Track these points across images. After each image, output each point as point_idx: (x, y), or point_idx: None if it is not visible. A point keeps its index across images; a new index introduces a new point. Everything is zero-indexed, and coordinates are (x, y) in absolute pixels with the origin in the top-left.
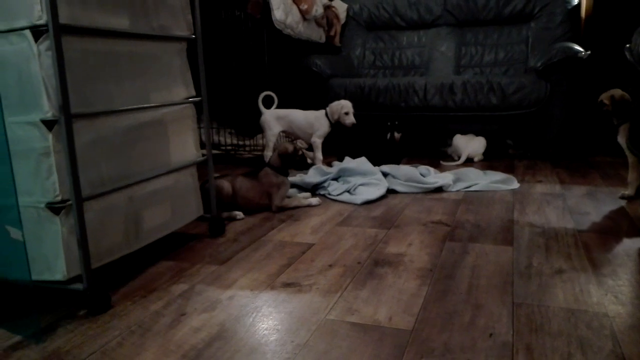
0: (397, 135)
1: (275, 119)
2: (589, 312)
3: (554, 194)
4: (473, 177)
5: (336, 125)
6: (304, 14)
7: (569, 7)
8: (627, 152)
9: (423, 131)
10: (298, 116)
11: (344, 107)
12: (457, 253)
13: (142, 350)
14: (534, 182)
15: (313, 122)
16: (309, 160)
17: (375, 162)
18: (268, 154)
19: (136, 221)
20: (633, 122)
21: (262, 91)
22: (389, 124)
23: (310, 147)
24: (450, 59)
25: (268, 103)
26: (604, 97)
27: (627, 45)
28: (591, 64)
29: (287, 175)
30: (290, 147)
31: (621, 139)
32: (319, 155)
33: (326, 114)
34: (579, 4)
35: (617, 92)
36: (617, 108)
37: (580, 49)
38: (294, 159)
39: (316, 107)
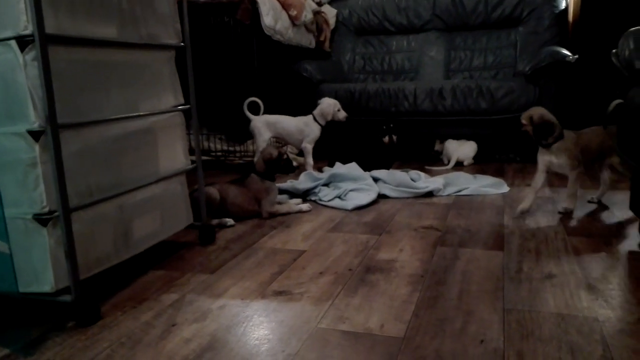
0: (393, 137)
1: (265, 125)
2: (579, 317)
3: (544, 198)
4: (463, 182)
5: (327, 131)
6: (293, 20)
7: (557, 12)
8: (569, 170)
9: (413, 136)
10: (288, 122)
11: (335, 104)
12: (448, 258)
13: None
14: (524, 185)
15: (303, 128)
16: (295, 163)
17: (366, 167)
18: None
19: (125, 230)
20: (624, 127)
21: (252, 97)
22: (384, 127)
23: (301, 153)
24: (439, 63)
25: (254, 109)
26: (524, 117)
27: (614, 51)
28: (579, 68)
29: (273, 180)
30: (274, 152)
31: (557, 159)
32: (310, 160)
33: (314, 119)
34: (567, 8)
35: (536, 113)
36: (537, 130)
37: (568, 53)
38: (278, 164)
39: (306, 113)
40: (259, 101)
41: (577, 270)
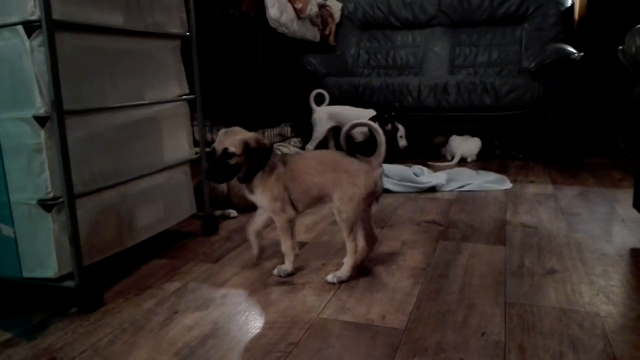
0: (399, 127)
1: (327, 116)
2: (581, 312)
3: (546, 194)
4: (466, 177)
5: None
6: (298, 13)
7: (563, 9)
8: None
9: (417, 131)
10: (349, 114)
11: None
12: (450, 252)
13: (134, 348)
14: (527, 182)
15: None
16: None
17: None
18: (310, 147)
19: (129, 218)
20: (628, 125)
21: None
22: (385, 115)
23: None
24: (444, 59)
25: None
26: (233, 143)
27: (620, 47)
28: (584, 66)
29: None
30: None
31: (260, 199)
32: None
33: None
34: (572, 5)
35: (250, 136)
36: (253, 158)
37: (573, 50)
38: None
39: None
40: (325, 93)
41: (579, 266)
